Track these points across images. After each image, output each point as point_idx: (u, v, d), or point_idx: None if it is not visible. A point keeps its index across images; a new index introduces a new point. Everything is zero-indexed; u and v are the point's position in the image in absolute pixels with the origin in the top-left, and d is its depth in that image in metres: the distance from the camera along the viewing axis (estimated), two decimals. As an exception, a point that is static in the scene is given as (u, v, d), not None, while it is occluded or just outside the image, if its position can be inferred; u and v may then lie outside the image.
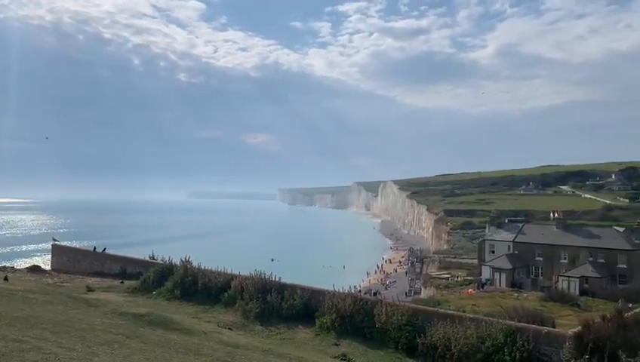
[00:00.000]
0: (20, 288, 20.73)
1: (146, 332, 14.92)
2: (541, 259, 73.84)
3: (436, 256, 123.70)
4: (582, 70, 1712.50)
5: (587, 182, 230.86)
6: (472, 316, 20.16)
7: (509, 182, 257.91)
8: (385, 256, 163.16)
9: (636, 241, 70.78)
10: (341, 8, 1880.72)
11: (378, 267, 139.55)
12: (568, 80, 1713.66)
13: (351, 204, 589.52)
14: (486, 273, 74.18)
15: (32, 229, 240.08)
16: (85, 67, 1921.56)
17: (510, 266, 72.00)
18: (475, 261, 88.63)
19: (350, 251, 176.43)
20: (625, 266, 66.79)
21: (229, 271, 26.69)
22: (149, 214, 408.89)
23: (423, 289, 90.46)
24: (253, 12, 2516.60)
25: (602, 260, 67.97)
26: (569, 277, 66.52)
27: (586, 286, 64.53)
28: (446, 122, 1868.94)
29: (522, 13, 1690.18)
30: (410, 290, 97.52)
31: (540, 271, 73.61)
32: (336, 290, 22.89)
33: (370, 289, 78.30)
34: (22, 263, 64.53)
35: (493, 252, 78.27)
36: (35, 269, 33.10)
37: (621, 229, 76.16)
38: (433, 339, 18.03)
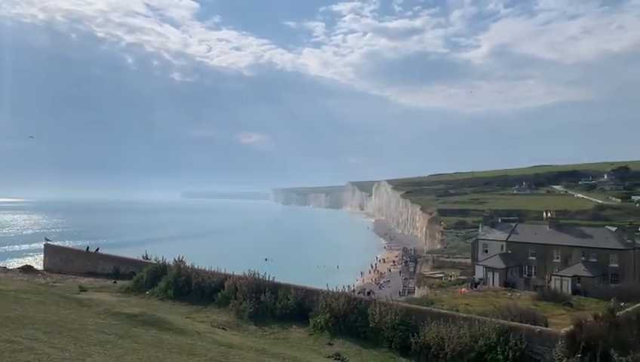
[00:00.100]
0: (12, 288, 20.60)
1: (139, 333, 14.87)
2: (534, 258, 74.18)
3: (430, 255, 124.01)
4: (575, 70, 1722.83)
5: (580, 182, 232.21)
6: (465, 315, 20.22)
7: (503, 181, 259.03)
8: (379, 256, 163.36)
9: (628, 241, 71.27)
10: (335, 8, 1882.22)
11: (372, 266, 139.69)
12: (561, 80, 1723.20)
13: (345, 204, 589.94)
14: (479, 272, 74.43)
15: (25, 229, 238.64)
16: (78, 66, 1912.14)
17: (503, 266, 72.28)
18: (469, 260, 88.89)
19: (344, 251, 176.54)
20: (617, 265, 67.23)
21: (222, 271, 26.63)
22: (143, 214, 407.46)
23: (416, 288, 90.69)
24: (247, 11, 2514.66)
25: (594, 259, 68.38)
26: (562, 276, 66.87)
27: (578, 285, 64.89)
28: (440, 122, 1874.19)
29: (516, 14, 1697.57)
30: (403, 290, 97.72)
31: (533, 270, 73.95)
32: (330, 290, 22.90)
33: (364, 289, 78.34)
34: (14, 263, 64.13)
35: (486, 251, 78.55)
36: (27, 269, 32.89)
37: (613, 229, 76.65)
38: (426, 339, 18.06)
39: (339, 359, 17.85)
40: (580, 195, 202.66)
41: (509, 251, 75.93)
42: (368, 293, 51.00)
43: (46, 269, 35.62)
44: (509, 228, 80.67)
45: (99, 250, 37.37)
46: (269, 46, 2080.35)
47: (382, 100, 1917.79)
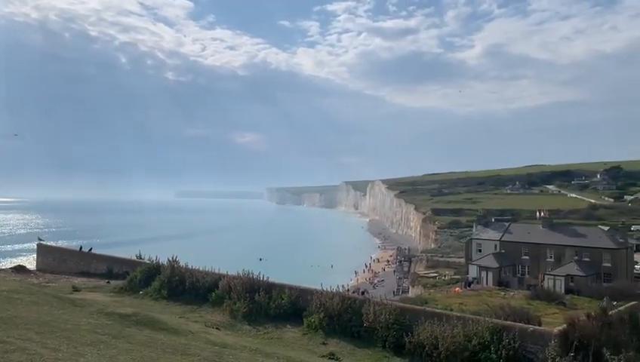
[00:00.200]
0: (4, 288, 20.48)
1: (133, 333, 14.82)
2: (527, 257, 74.50)
3: (424, 254, 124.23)
4: (568, 71, 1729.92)
5: (573, 182, 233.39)
6: (459, 314, 20.27)
7: (496, 181, 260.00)
8: (373, 255, 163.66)
9: (621, 240, 71.74)
10: (330, 8, 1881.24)
11: (366, 266, 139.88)
12: (554, 80, 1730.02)
13: (339, 204, 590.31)
14: (473, 272, 74.67)
15: (18, 229, 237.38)
16: (71, 65, 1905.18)
17: (497, 265, 72.54)
18: (462, 260, 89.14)
19: (338, 250, 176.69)
20: (609, 265, 67.61)
21: (216, 271, 26.56)
22: (136, 213, 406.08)
23: (410, 288, 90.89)
24: (241, 11, 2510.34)
25: (587, 259, 68.73)
26: (555, 275, 67.19)
27: (571, 284, 65.21)
28: (434, 122, 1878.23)
29: (509, 14, 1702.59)
30: (398, 289, 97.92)
31: (527, 269, 74.26)
32: (325, 289, 22.88)
33: (359, 289, 78.44)
34: (6, 263, 63.85)
35: (480, 251, 78.82)
36: (20, 269, 32.69)
37: (606, 228, 77.19)
38: (420, 338, 18.09)
39: (333, 358, 17.86)
40: (572, 195, 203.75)
41: (503, 250, 76.22)
42: (362, 293, 51.01)
43: (39, 269, 35.41)
44: (503, 227, 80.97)
45: (92, 250, 37.20)
46: (264, 45, 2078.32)
47: (376, 100, 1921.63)
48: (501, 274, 72.54)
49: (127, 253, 36.29)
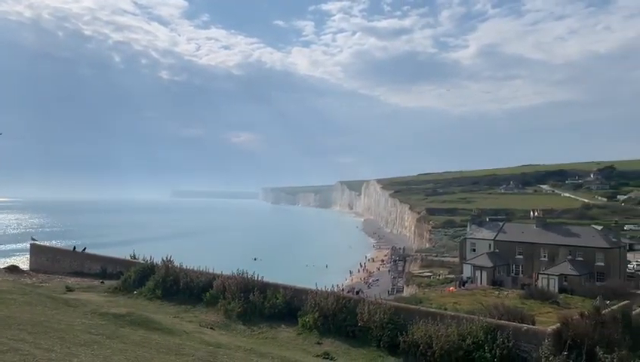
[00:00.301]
0: (-3, 288, 20.37)
1: (127, 333, 14.78)
2: (521, 257, 74.79)
3: (418, 254, 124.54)
4: (562, 71, 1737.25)
5: (566, 182, 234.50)
6: (453, 314, 20.32)
7: (490, 181, 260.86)
8: (368, 255, 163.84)
9: (614, 239, 72.12)
10: (324, 7, 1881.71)
11: (361, 266, 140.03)
12: (549, 80, 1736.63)
13: (334, 203, 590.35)
14: (467, 271, 74.91)
15: (11, 229, 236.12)
16: (65, 64, 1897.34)
17: (491, 264, 72.79)
18: (457, 259, 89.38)
19: (333, 250, 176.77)
20: (602, 264, 67.99)
21: (211, 271, 26.51)
22: (131, 213, 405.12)
23: (405, 287, 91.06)
24: (235, 10, 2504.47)
25: (581, 258, 69.09)
26: (548, 274, 67.50)
27: (565, 283, 65.54)
28: (428, 122, 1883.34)
29: (504, 14, 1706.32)
30: (392, 289, 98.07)
31: (521, 269, 74.56)
32: (319, 289, 22.87)
33: (353, 288, 78.50)
34: (-1, 263, 63.42)
35: (474, 250, 79.08)
36: (13, 269, 32.50)
37: (599, 228, 77.58)
38: (415, 337, 18.11)
39: (327, 358, 17.87)
40: (566, 194, 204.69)
41: (497, 250, 76.49)
42: (357, 292, 51.06)
43: (32, 269, 35.22)
44: (497, 227, 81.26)
45: (85, 250, 37.02)
46: (258, 45, 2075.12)
47: (371, 100, 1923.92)
48: (495, 273, 72.80)
49: (121, 253, 36.16)
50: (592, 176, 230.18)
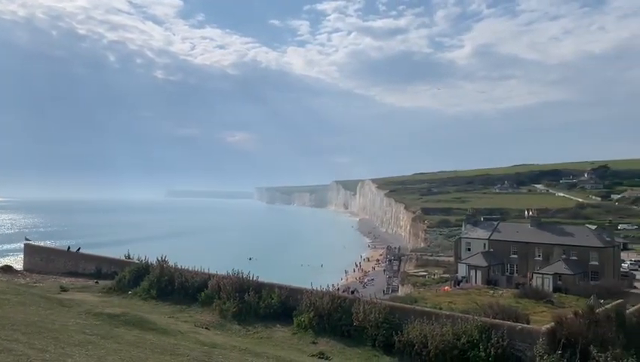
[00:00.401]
0: (-10, 289, 20.27)
1: (121, 333, 14.73)
2: (516, 256, 75.03)
3: (413, 253, 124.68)
4: (556, 71, 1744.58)
5: (561, 181, 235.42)
6: (448, 313, 20.36)
7: (485, 180, 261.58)
8: (363, 255, 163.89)
9: (607, 239, 72.44)
10: (320, 7, 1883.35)
11: (356, 265, 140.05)
12: (543, 80, 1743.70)
13: (329, 203, 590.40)
14: (462, 270, 75.06)
15: (5, 228, 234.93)
16: (59, 63, 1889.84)
17: (486, 264, 72.97)
18: (452, 259, 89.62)
19: (328, 250, 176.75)
20: (597, 263, 68.28)
21: (206, 271, 26.45)
22: (126, 213, 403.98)
23: (400, 286, 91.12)
24: (230, 9, 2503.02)
25: (575, 257, 69.37)
26: (543, 274, 67.74)
27: (559, 282, 65.77)
28: (424, 121, 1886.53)
29: (498, 14, 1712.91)
30: (387, 288, 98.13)
31: (515, 268, 74.78)
32: (314, 289, 22.85)
33: (348, 288, 78.54)
34: (-7, 263, 62.96)
35: (469, 250, 79.27)
36: (6, 269, 32.32)
37: (593, 227, 77.86)
38: (410, 336, 18.13)
39: (323, 357, 17.86)
40: (560, 194, 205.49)
41: (492, 249, 76.69)
42: (352, 292, 51.15)
43: (26, 269, 35.06)
44: (492, 226, 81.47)
45: (80, 250, 36.88)
46: (253, 44, 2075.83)
47: (366, 100, 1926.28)
48: (490, 272, 72.99)
49: (116, 253, 36.05)
50: (586, 175, 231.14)
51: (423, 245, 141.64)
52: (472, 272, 73.04)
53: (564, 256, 69.59)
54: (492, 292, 60.63)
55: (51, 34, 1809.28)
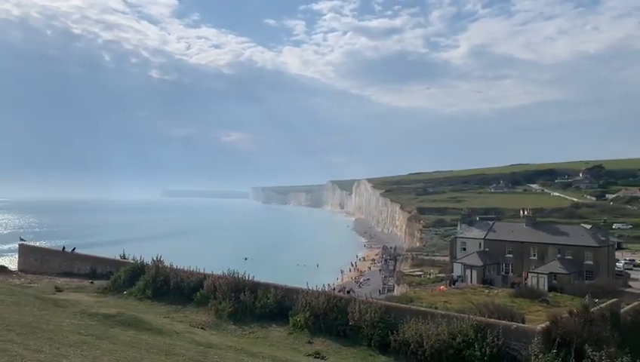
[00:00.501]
0: (-15, 289, 20.18)
1: (117, 333, 14.69)
2: (511, 255, 75.23)
3: (409, 253, 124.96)
4: (551, 71, 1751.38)
5: (556, 181, 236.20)
6: (443, 312, 20.38)
7: (480, 180, 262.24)
8: (359, 254, 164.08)
9: (602, 238, 72.73)
10: (315, 7, 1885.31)
11: (352, 265, 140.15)
12: (538, 80, 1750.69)
13: (325, 203, 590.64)
14: (457, 270, 75.24)
15: (0, 229, 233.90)
16: (54, 63, 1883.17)
17: (481, 263, 73.16)
18: (447, 258, 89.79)
19: (324, 249, 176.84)
20: (591, 262, 68.57)
21: (201, 271, 26.41)
22: (121, 213, 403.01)
23: (396, 286, 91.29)
24: (226, 9, 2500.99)
25: (570, 257, 69.64)
26: (538, 273, 67.97)
27: (554, 282, 66.00)
28: (419, 121, 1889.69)
29: (494, 14, 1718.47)
30: (383, 288, 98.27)
31: (510, 267, 75.00)
32: (310, 289, 22.85)
33: (344, 288, 78.53)
34: (-13, 264, 62.61)
35: (464, 249, 79.44)
36: (1, 270, 32.18)
37: (588, 226, 78.19)
38: (405, 336, 18.14)
39: (318, 357, 17.86)
40: (556, 194, 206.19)
41: (487, 249, 76.89)
42: (348, 292, 51.13)
43: (21, 270, 34.93)
44: (487, 226, 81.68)
45: (75, 250, 36.77)
46: (249, 44, 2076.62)
47: (362, 99, 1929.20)
48: (485, 272, 73.17)
49: (111, 253, 35.93)
50: (581, 175, 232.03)
51: (418, 245, 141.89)
52: (468, 272, 73.22)
53: (559, 256, 69.85)
54: (487, 291, 60.79)
55: (46, 33, 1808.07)
